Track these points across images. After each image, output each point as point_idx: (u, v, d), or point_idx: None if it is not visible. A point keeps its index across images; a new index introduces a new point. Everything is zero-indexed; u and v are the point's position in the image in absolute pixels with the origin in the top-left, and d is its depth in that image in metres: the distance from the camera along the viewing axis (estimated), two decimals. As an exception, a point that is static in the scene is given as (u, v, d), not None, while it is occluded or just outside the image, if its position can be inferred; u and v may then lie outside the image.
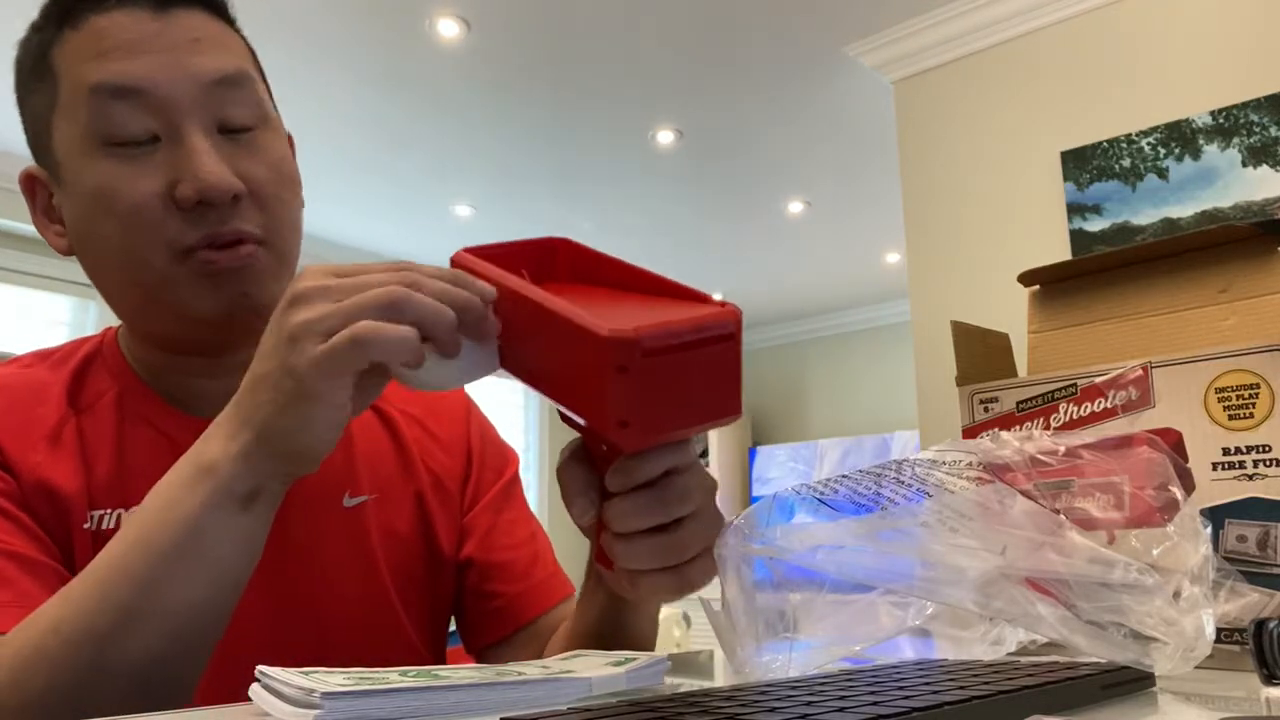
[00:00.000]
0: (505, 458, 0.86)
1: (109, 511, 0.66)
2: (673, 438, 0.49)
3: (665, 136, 3.83)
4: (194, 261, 0.65)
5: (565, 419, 0.52)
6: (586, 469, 0.53)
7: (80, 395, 0.70)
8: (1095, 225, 2.61)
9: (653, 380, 0.44)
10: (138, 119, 0.64)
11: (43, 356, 0.74)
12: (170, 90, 0.64)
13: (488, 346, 0.52)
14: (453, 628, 0.83)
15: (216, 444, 0.53)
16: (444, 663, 0.80)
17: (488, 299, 0.51)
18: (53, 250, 0.71)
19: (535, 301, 0.48)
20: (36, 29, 0.68)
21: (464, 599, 0.80)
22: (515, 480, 0.86)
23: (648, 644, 0.70)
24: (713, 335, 0.46)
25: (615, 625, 0.66)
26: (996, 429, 0.73)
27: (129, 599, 0.51)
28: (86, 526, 0.65)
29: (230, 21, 0.71)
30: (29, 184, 0.70)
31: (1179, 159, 2.49)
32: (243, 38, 0.72)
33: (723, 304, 0.48)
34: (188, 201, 0.63)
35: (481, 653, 0.80)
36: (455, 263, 0.54)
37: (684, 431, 0.49)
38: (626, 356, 0.43)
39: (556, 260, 0.58)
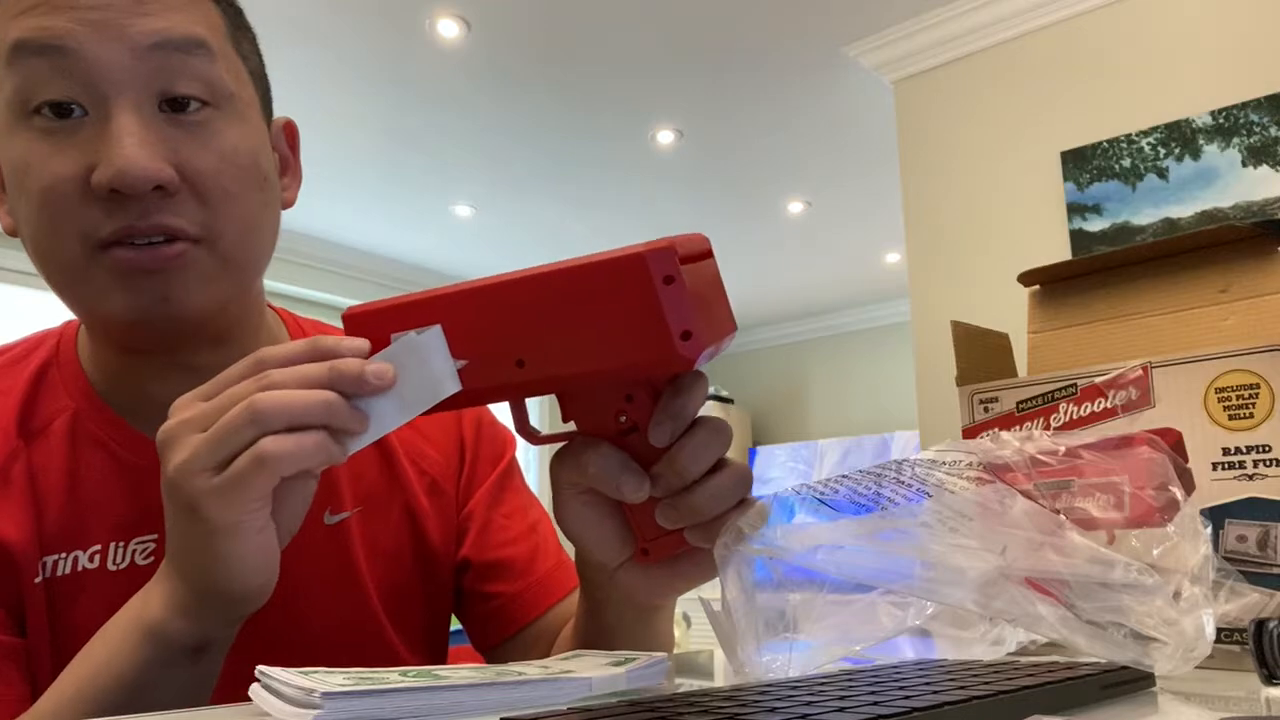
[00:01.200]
0: (502, 442, 0.80)
1: (63, 556, 0.61)
2: (707, 353, 0.48)
3: (665, 136, 3.83)
4: (108, 258, 0.57)
5: (561, 438, 0.51)
6: (618, 449, 0.50)
7: (32, 418, 0.63)
8: (1095, 225, 2.61)
9: (689, 288, 0.45)
10: (57, 83, 0.55)
11: None
12: (97, 52, 0.55)
13: (432, 371, 0.48)
14: (457, 626, 0.79)
15: (157, 598, 0.49)
16: None
17: (360, 352, 0.47)
18: None
19: (542, 274, 0.46)
20: None
21: (464, 600, 0.76)
22: (512, 466, 0.80)
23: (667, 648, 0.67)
24: (701, 250, 0.47)
25: (635, 634, 0.62)
26: (996, 429, 0.73)
27: None
28: (37, 580, 0.60)
29: None
30: None
31: (1179, 159, 2.49)
32: (224, 7, 0.63)
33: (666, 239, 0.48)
34: (101, 189, 0.55)
35: (489, 653, 0.76)
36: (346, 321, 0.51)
37: (714, 347, 0.48)
38: (669, 264, 0.44)
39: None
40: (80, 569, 0.61)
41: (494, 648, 0.76)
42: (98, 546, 0.62)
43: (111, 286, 0.58)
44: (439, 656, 0.76)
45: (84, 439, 0.64)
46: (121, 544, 0.62)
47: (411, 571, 0.72)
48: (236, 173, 0.60)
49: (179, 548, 0.48)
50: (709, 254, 0.48)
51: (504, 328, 0.47)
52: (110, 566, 0.61)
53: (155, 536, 0.62)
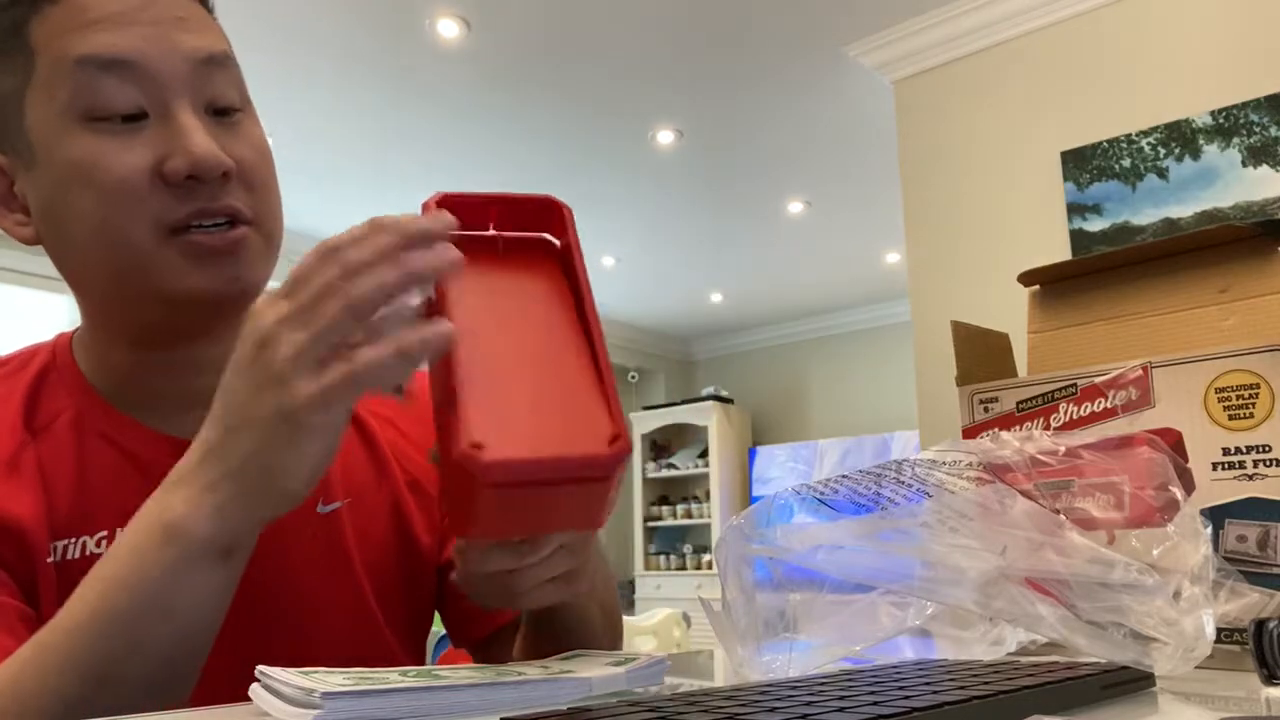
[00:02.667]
0: None
1: (72, 540, 0.63)
2: (522, 535, 0.51)
3: (665, 136, 3.83)
4: (182, 241, 0.63)
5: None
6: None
7: (36, 416, 0.67)
8: (1095, 225, 2.61)
9: (506, 498, 0.44)
10: (126, 93, 0.62)
11: None
12: (160, 64, 0.62)
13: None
14: (441, 628, 0.82)
15: (186, 499, 0.50)
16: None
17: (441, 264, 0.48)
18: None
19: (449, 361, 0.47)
20: (2, 6, 0.65)
21: (447, 599, 0.79)
22: None
23: (595, 622, 0.70)
24: (583, 476, 0.45)
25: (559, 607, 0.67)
26: (996, 429, 0.73)
27: (97, 668, 0.49)
28: (50, 560, 0.62)
29: (210, 9, 0.70)
30: None
31: (1179, 159, 2.49)
32: (219, 26, 0.70)
33: (615, 435, 0.46)
34: (177, 176, 0.61)
35: (470, 647, 0.79)
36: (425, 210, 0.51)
37: (536, 533, 0.51)
38: (480, 479, 0.43)
39: (550, 223, 0.54)
40: (89, 554, 0.63)
41: (477, 642, 0.79)
42: (104, 533, 0.64)
43: (186, 268, 0.63)
44: (421, 647, 0.79)
45: (89, 433, 0.67)
46: None
47: (398, 562, 0.75)
48: (268, 164, 0.69)
49: (245, 445, 0.49)
50: (604, 479, 0.45)
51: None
52: None
53: None
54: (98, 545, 0.64)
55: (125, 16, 0.62)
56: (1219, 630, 0.52)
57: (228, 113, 0.66)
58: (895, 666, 0.48)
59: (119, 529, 0.64)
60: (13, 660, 0.51)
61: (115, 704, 0.49)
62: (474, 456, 0.43)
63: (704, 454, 6.64)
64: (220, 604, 0.53)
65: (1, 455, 0.64)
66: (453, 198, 0.51)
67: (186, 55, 0.64)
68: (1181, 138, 2.49)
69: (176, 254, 0.63)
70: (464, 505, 0.45)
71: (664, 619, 3.84)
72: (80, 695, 0.49)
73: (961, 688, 0.38)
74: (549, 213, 0.54)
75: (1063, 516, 0.48)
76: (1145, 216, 2.53)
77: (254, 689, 0.42)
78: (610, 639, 0.75)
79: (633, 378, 7.11)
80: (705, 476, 6.62)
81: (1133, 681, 0.46)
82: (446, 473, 0.47)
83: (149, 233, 0.62)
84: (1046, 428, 0.71)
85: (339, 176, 4.17)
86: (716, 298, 6.20)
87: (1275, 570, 0.60)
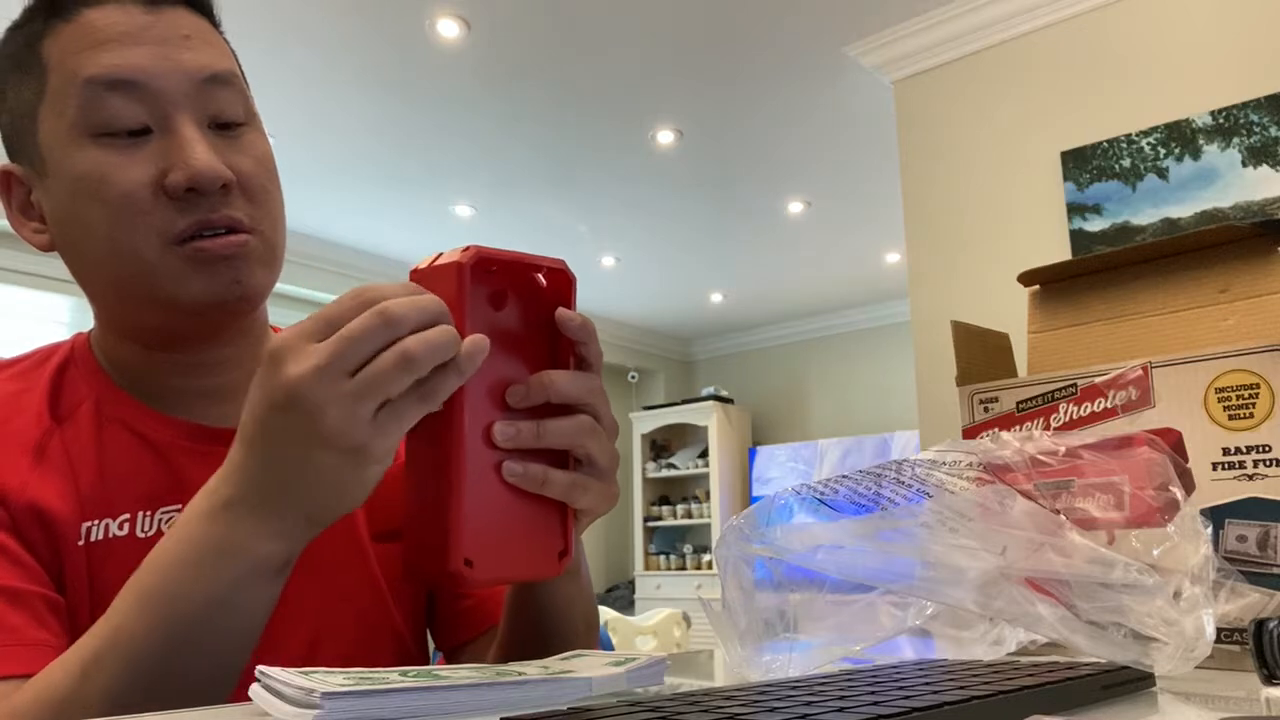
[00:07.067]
0: None
1: (96, 523, 0.65)
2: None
3: (665, 136, 3.83)
4: (186, 249, 0.65)
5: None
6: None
7: (59, 404, 0.70)
8: (1095, 225, 2.61)
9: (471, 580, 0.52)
10: (130, 111, 0.64)
11: (5, 366, 0.73)
12: (163, 83, 0.65)
13: None
14: None
15: (249, 526, 0.52)
16: (429, 657, 0.80)
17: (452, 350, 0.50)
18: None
19: (455, 430, 0.51)
20: (19, 25, 0.68)
21: (435, 600, 0.80)
22: None
23: (578, 633, 0.70)
24: (540, 578, 0.56)
25: (525, 600, 0.68)
26: (996, 429, 0.73)
27: (155, 675, 0.51)
28: (80, 544, 0.64)
29: (216, 24, 0.72)
30: (4, 181, 0.70)
31: (1179, 159, 2.49)
32: (226, 40, 0.73)
33: (564, 550, 0.55)
34: (177, 189, 0.64)
35: (451, 652, 0.80)
36: (465, 264, 0.51)
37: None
38: (459, 587, 0.55)
39: (549, 293, 0.56)
40: (111, 536, 0.66)
41: (461, 645, 0.80)
42: (126, 515, 0.66)
43: (190, 274, 0.65)
44: (424, 639, 0.81)
45: (108, 420, 0.70)
46: (148, 513, 0.67)
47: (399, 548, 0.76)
48: (269, 175, 0.71)
49: (310, 483, 0.51)
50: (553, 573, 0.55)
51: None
52: (139, 534, 0.66)
53: (179, 507, 0.67)
54: (120, 528, 0.66)
55: (131, 36, 0.65)
56: (1219, 630, 0.52)
57: (231, 126, 0.68)
58: (895, 666, 0.48)
59: (141, 511, 0.67)
60: (67, 663, 0.53)
61: (163, 705, 0.51)
62: (464, 575, 0.50)
63: (704, 454, 6.64)
64: (270, 610, 0.55)
65: (30, 442, 0.66)
66: (486, 256, 0.52)
67: (190, 73, 0.66)
68: (1181, 138, 2.49)
69: (179, 261, 0.65)
70: (431, 579, 0.52)
71: (664, 619, 3.84)
72: (134, 701, 0.51)
73: (961, 688, 0.38)
74: (559, 278, 0.55)
75: (1063, 516, 0.48)
76: (1145, 216, 2.53)
77: (254, 689, 0.42)
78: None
79: (633, 378, 7.11)
80: (705, 476, 6.62)
81: (1133, 681, 0.46)
82: (418, 540, 0.52)
83: (153, 243, 0.65)
84: (1046, 428, 0.71)
85: (338, 176, 4.17)
86: (716, 298, 6.20)
87: (1275, 570, 0.60)
